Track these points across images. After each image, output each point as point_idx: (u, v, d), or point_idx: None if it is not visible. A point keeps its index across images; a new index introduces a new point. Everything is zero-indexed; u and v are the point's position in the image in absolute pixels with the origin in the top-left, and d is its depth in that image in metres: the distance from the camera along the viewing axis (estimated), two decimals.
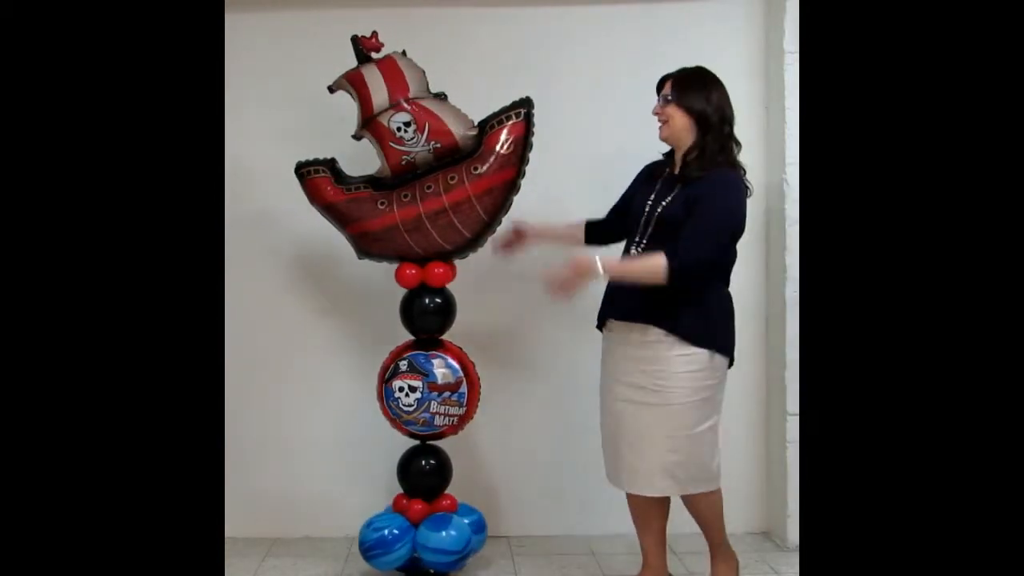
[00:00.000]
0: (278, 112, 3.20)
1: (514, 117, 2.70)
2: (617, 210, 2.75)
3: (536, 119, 2.75)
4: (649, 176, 2.64)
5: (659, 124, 2.54)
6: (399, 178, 2.77)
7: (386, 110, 2.73)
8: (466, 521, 2.87)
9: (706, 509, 2.60)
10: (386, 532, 2.79)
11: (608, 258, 2.47)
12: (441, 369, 2.78)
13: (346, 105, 2.80)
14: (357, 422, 3.24)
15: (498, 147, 2.69)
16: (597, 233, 2.79)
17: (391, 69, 2.74)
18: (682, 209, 2.43)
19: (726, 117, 2.49)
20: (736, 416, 3.08)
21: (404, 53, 2.80)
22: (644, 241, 2.50)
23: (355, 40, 2.76)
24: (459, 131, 2.73)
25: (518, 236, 2.80)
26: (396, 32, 2.83)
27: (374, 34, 2.78)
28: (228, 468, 1.85)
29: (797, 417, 2.97)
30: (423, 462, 2.86)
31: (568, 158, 3.19)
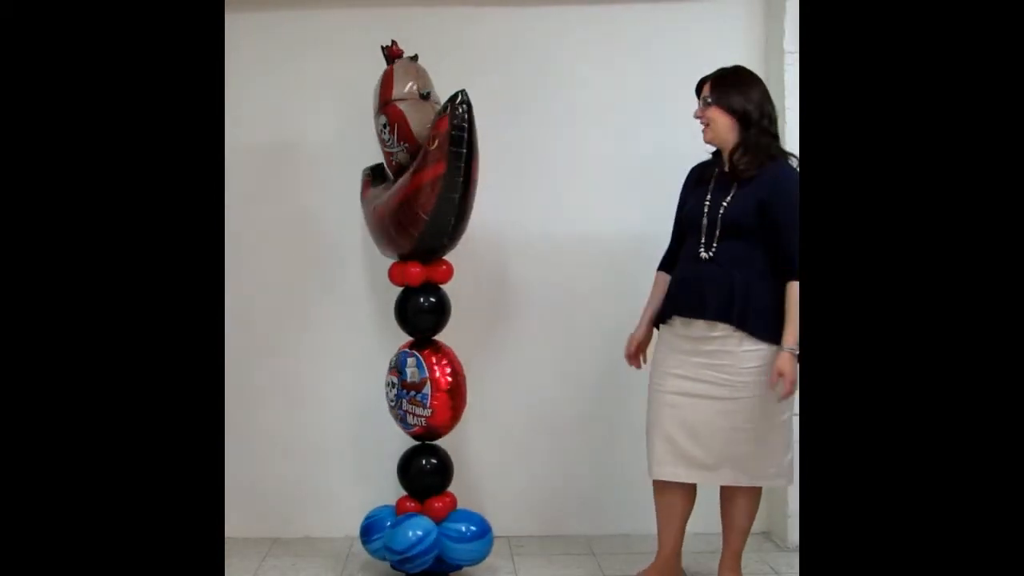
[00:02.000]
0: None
1: (443, 112, 2.61)
2: (679, 232, 2.71)
3: (534, 119, 2.74)
4: (699, 178, 2.63)
5: (702, 128, 2.54)
6: (398, 178, 2.79)
7: (376, 113, 2.78)
8: (459, 526, 2.81)
9: (745, 507, 2.61)
10: (373, 521, 2.89)
11: (786, 340, 2.41)
12: (411, 368, 2.78)
13: None
14: (358, 421, 3.24)
15: (428, 144, 2.62)
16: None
17: (387, 74, 2.77)
18: (753, 212, 2.44)
19: (766, 112, 2.51)
20: None
21: (415, 57, 2.81)
22: (714, 244, 2.49)
23: (383, 49, 2.80)
24: (418, 131, 2.69)
25: (638, 348, 2.74)
26: (394, 33, 2.84)
27: (393, 43, 2.81)
28: (228, 467, 1.85)
29: (797, 417, 2.97)
30: (423, 461, 2.85)
31: (568, 158, 3.19)
